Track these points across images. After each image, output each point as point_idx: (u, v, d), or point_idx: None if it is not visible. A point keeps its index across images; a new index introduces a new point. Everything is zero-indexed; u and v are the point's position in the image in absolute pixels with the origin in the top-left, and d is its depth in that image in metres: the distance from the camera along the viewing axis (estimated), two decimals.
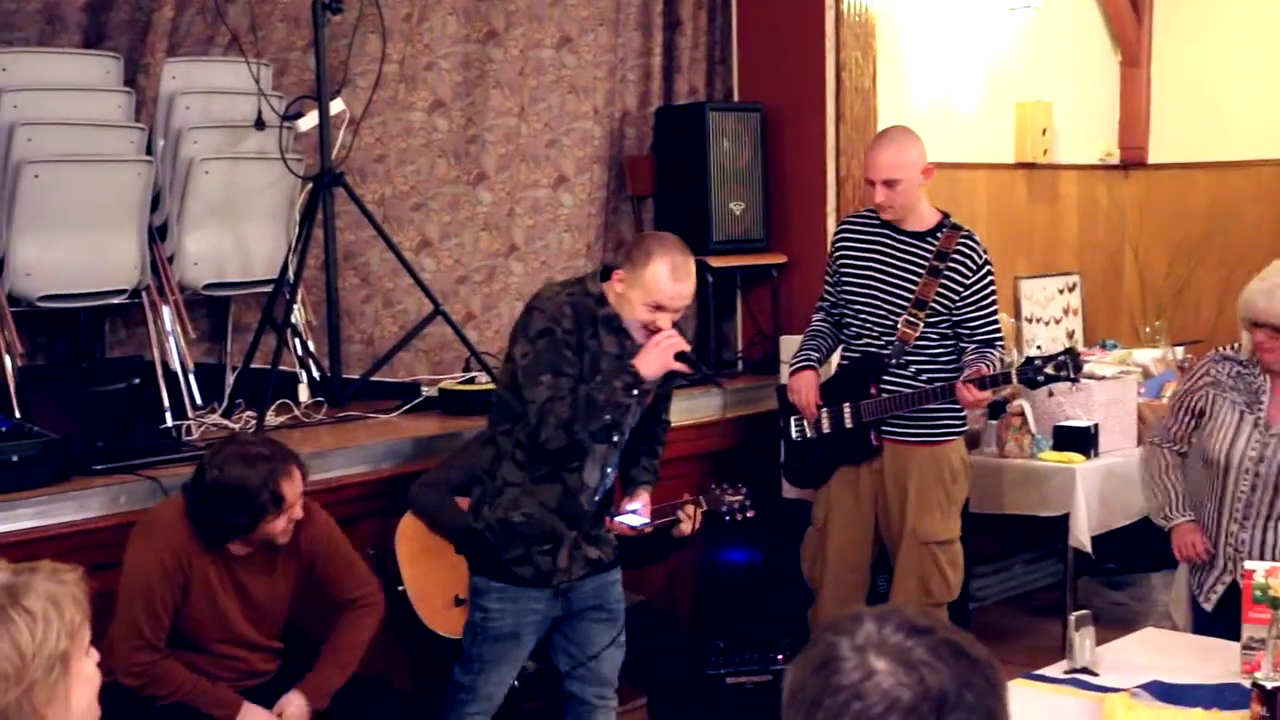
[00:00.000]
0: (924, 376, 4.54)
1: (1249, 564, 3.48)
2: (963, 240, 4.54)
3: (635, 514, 3.94)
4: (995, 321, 4.58)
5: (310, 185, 4.84)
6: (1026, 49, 6.94)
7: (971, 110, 6.71)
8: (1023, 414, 5.81)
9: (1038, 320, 6.98)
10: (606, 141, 6.02)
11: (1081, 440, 5.71)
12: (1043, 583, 6.82)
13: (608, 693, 4.05)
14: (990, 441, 5.93)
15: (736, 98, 6.27)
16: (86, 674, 2.11)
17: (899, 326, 4.52)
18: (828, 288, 4.79)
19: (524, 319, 3.75)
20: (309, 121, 4.89)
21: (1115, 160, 7.48)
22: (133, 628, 3.48)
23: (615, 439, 3.81)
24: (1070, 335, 7.16)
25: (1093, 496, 5.59)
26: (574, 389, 3.64)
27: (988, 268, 4.56)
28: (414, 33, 5.47)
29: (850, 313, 4.67)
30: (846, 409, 4.61)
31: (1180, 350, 6.64)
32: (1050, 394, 5.64)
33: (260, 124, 4.78)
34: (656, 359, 3.66)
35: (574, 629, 3.98)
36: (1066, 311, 7.18)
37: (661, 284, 3.65)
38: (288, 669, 3.81)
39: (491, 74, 5.67)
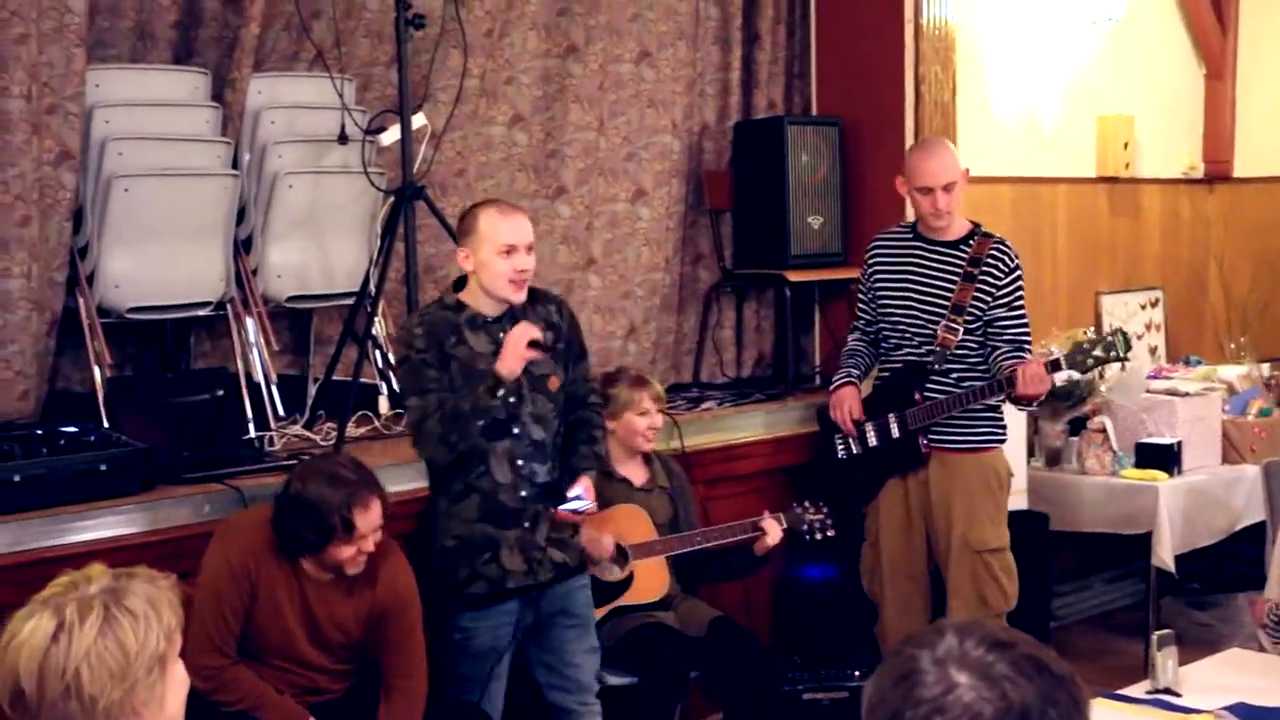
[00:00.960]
0: (964, 383, 4.54)
1: None
2: (995, 245, 4.59)
3: (579, 499, 3.98)
4: (1025, 324, 4.61)
5: (392, 199, 4.88)
6: (1108, 62, 6.88)
7: (1052, 124, 6.66)
8: (1104, 430, 5.76)
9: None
10: (685, 155, 6.03)
11: (1164, 457, 5.65)
12: (1124, 602, 6.73)
13: (589, 699, 4.11)
14: (1070, 458, 5.88)
15: (815, 111, 6.26)
16: (179, 677, 2.16)
17: (939, 333, 4.54)
18: (861, 305, 4.81)
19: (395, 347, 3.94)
20: (391, 136, 4.93)
21: (1199, 174, 7.40)
22: (203, 630, 3.50)
23: (516, 431, 3.86)
24: (1153, 351, 7.08)
25: (1176, 515, 5.53)
26: (441, 404, 3.75)
27: (1019, 272, 4.60)
28: (495, 48, 5.51)
29: (888, 324, 4.68)
30: (892, 419, 4.61)
31: (1266, 367, 6.55)
32: (1101, 376, 5.55)
33: (343, 138, 4.84)
34: (511, 355, 3.76)
35: (546, 638, 4.04)
36: (1149, 327, 7.10)
37: (497, 224, 3.83)
38: (358, 688, 3.81)
39: (571, 88, 5.70)
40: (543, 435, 3.94)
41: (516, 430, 3.87)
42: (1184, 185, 7.35)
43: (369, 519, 3.54)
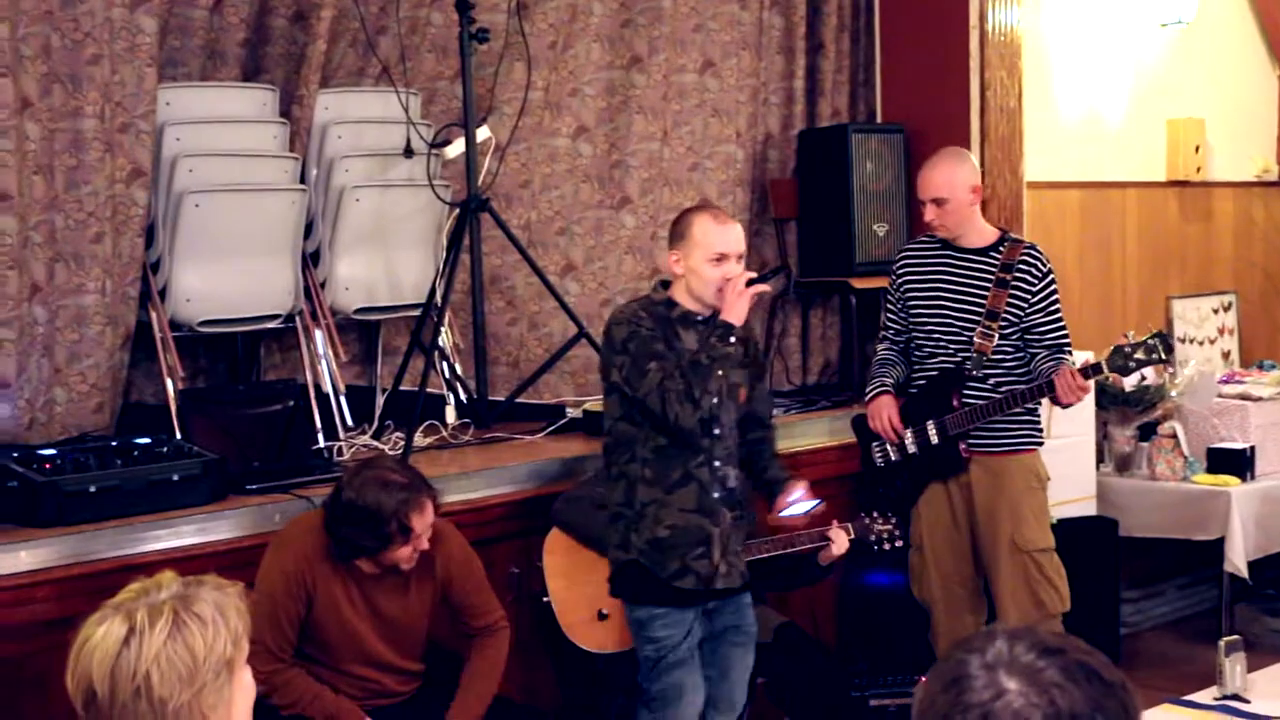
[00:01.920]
0: (1003, 388, 4.51)
1: None
2: (1026, 251, 4.57)
3: (799, 501, 4.04)
4: (1063, 327, 4.57)
5: (457, 211, 4.94)
6: (1177, 64, 6.81)
7: (1121, 128, 6.61)
8: (1174, 436, 5.71)
9: (1191, 340, 6.84)
10: (749, 165, 6.04)
11: (1237, 462, 5.59)
12: (1198, 609, 6.65)
13: (734, 717, 4.09)
14: (1141, 464, 5.83)
15: (879, 119, 6.25)
16: (246, 683, 2.20)
17: (975, 339, 4.52)
18: (890, 315, 4.78)
19: (606, 342, 3.91)
20: (456, 149, 4.99)
21: (1273, 176, 7.30)
22: (258, 634, 3.55)
23: (716, 431, 3.87)
24: (1226, 356, 7.00)
25: (1249, 520, 5.47)
26: (679, 365, 3.76)
27: (1052, 275, 4.58)
28: (559, 60, 5.56)
29: (922, 334, 4.66)
30: (930, 425, 4.59)
31: None
32: (1143, 379, 5.48)
33: (409, 152, 4.90)
34: (736, 302, 3.79)
35: (714, 652, 4.02)
36: (1222, 331, 7.02)
37: (710, 231, 3.83)
38: (424, 691, 3.85)
39: (635, 99, 5.73)
40: (734, 442, 3.97)
41: (717, 431, 3.88)
42: (1257, 188, 7.27)
43: (424, 521, 3.60)
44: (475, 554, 3.95)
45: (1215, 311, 7.02)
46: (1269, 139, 7.33)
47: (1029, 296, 4.53)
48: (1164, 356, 4.42)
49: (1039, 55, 6.18)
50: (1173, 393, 5.79)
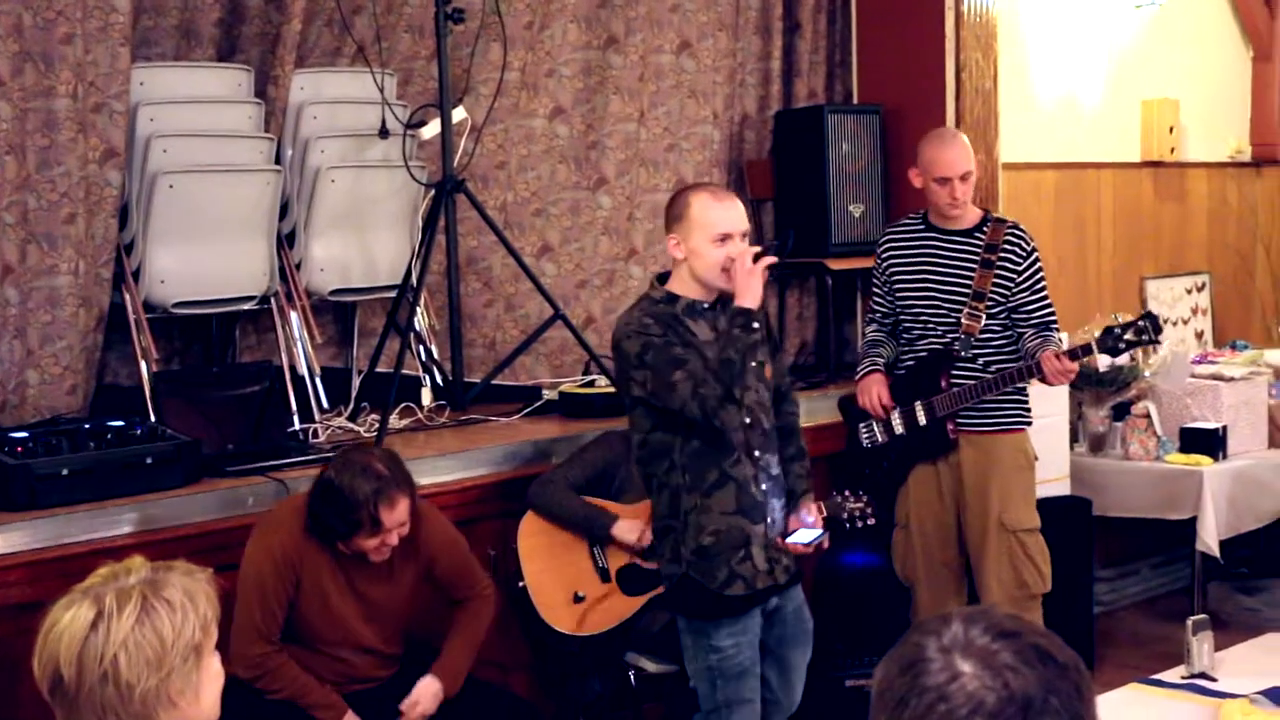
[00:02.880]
0: (992, 367, 4.54)
1: None
2: (1010, 230, 4.60)
3: (807, 528, 3.83)
4: (1050, 306, 4.60)
5: (433, 192, 4.93)
6: (1152, 46, 6.83)
7: (1096, 109, 6.62)
8: (1148, 416, 5.73)
9: (1165, 320, 6.87)
10: (726, 145, 6.05)
11: (1209, 442, 5.62)
12: (1172, 587, 6.70)
13: (789, 712, 4.01)
14: (1115, 443, 5.86)
15: (856, 100, 6.26)
16: (215, 669, 2.20)
17: (962, 320, 4.55)
18: (877, 297, 4.80)
19: (619, 358, 3.72)
20: (432, 130, 4.98)
21: (1246, 157, 7.33)
22: (248, 620, 3.57)
23: (748, 421, 3.69)
24: (1199, 336, 7.04)
25: (1221, 499, 5.50)
26: (706, 366, 3.57)
27: (1036, 254, 4.61)
28: (535, 40, 5.55)
29: (909, 316, 4.68)
30: (919, 406, 4.62)
31: None
32: (1132, 359, 5.54)
33: (384, 133, 4.90)
34: (748, 282, 3.56)
35: (774, 653, 3.89)
36: (1195, 311, 7.05)
37: (711, 210, 3.62)
38: (400, 676, 3.86)
39: (611, 80, 5.73)
40: (768, 424, 3.78)
41: (749, 420, 3.69)
42: (1231, 169, 7.29)
43: (395, 516, 3.59)
44: (457, 530, 3.97)
45: (1189, 292, 7.05)
46: (1242, 120, 7.35)
47: (1015, 276, 4.55)
48: (1154, 338, 4.44)
49: (1014, 37, 6.19)
50: (1146, 373, 5.82)
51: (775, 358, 3.87)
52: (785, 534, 3.83)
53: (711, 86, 5.96)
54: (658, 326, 3.63)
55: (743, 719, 3.79)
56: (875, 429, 4.75)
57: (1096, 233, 6.66)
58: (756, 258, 3.59)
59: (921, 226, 4.70)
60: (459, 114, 5.02)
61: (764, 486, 3.75)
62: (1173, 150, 6.83)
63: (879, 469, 4.78)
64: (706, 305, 3.71)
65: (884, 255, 4.77)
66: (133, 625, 2.11)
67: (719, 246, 3.62)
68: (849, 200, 5.90)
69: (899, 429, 4.70)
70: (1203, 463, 5.54)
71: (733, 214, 3.66)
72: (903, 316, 4.72)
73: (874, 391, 4.70)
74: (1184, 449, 5.66)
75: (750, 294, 3.57)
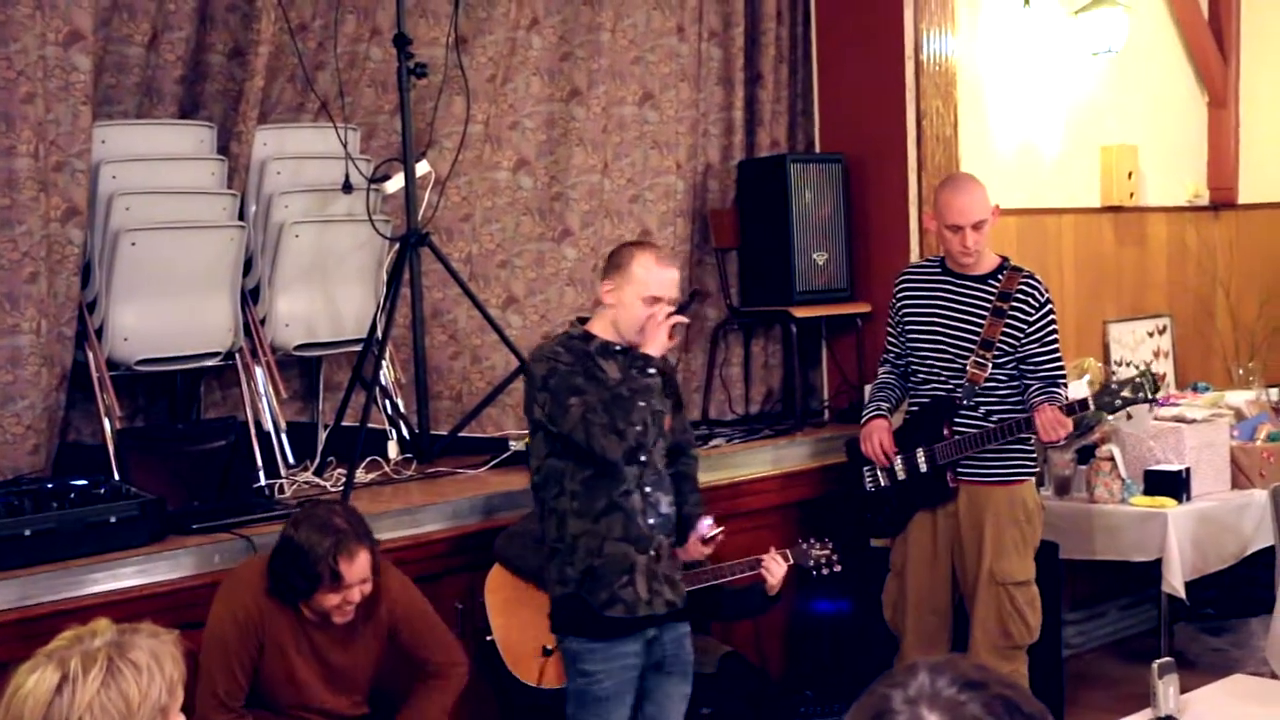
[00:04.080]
0: (994, 417, 4.55)
1: None
2: (1024, 280, 4.61)
3: (705, 527, 4.21)
4: (1059, 359, 4.63)
5: (397, 246, 4.94)
6: (1110, 93, 6.91)
7: (1055, 155, 6.69)
8: (1112, 459, 5.76)
9: (1128, 364, 6.92)
10: (689, 195, 6.08)
11: (1173, 484, 5.65)
12: (1138, 629, 6.72)
13: None
14: (1080, 487, 5.88)
15: (818, 149, 6.31)
16: None
17: (968, 368, 4.55)
18: (890, 339, 4.83)
19: (527, 381, 3.95)
20: (395, 184, 4.99)
21: (1204, 201, 7.42)
22: (209, 685, 3.53)
23: (643, 459, 3.89)
24: (1161, 378, 7.08)
25: (1185, 541, 5.52)
26: (601, 398, 3.78)
27: (1049, 306, 4.62)
28: (498, 93, 5.58)
29: (917, 359, 4.70)
30: (920, 453, 4.63)
31: (1275, 392, 6.54)
32: (1129, 416, 5.58)
33: (348, 187, 4.90)
34: (654, 333, 3.84)
35: (657, 686, 4.02)
36: (1157, 354, 7.11)
37: (651, 271, 3.87)
38: None
39: (575, 132, 5.76)
40: (662, 467, 4.01)
41: (644, 458, 3.89)
42: (1189, 213, 7.37)
43: (355, 570, 3.56)
44: (421, 595, 3.92)
45: (1150, 335, 7.11)
46: (1199, 165, 7.44)
47: (1025, 326, 4.56)
48: (1150, 395, 4.48)
49: (973, 85, 6.25)
50: (1109, 416, 5.85)
51: (678, 413, 4.14)
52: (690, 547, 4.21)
53: (675, 137, 6.00)
54: (569, 356, 3.87)
55: None
56: (879, 473, 4.76)
57: (1059, 277, 6.70)
58: (669, 314, 3.86)
59: (938, 269, 4.71)
60: (423, 168, 5.03)
61: (651, 521, 3.93)
62: (1132, 195, 6.91)
63: (881, 515, 4.80)
64: (618, 347, 3.94)
65: (898, 295, 4.79)
66: (98, 688, 2.10)
67: (648, 306, 3.86)
68: (813, 248, 5.94)
69: (901, 474, 4.71)
70: (1167, 505, 5.57)
71: (668, 280, 3.92)
72: (912, 359, 4.74)
73: (876, 438, 4.71)
74: (1148, 491, 5.69)
75: (655, 344, 3.85)
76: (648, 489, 3.93)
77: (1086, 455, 5.90)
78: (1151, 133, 7.10)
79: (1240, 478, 5.94)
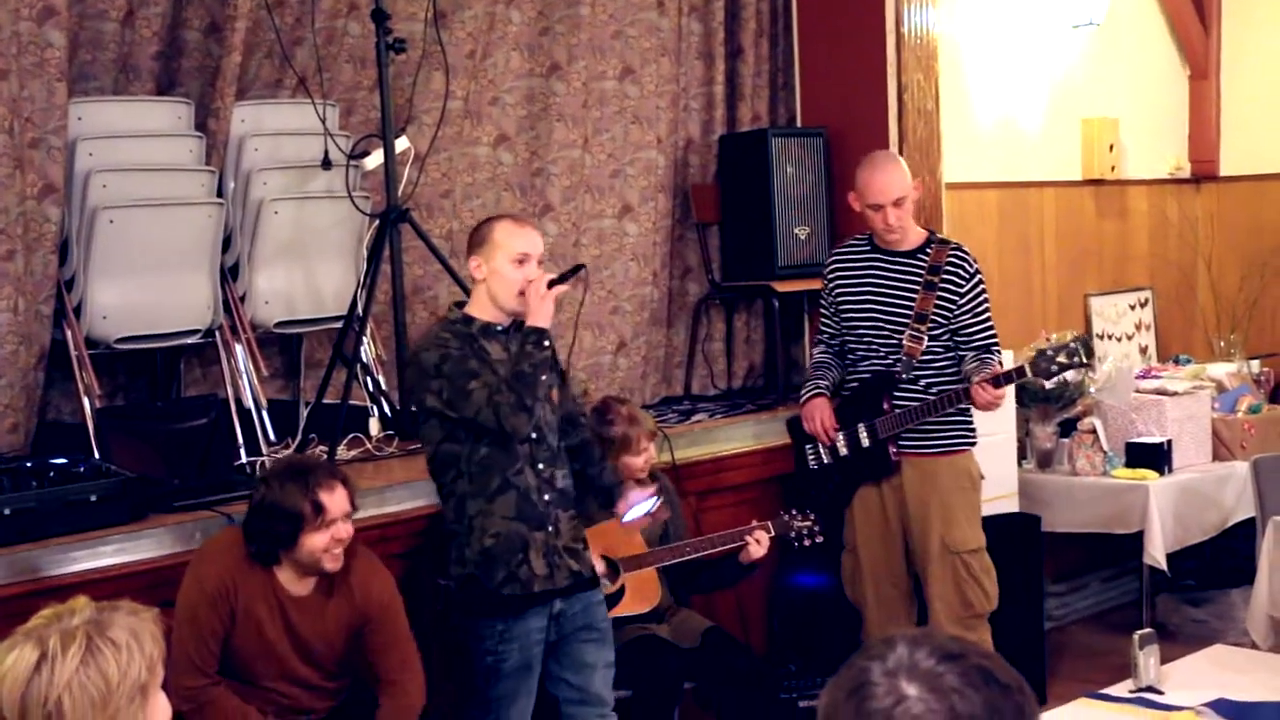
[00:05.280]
0: (934, 389, 4.57)
1: None
2: (953, 252, 4.63)
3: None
4: (991, 328, 4.64)
5: (377, 222, 4.92)
6: (1091, 65, 6.91)
7: (1037, 128, 6.69)
8: (1094, 431, 5.79)
9: (1109, 336, 6.94)
10: (670, 170, 6.06)
11: (1154, 456, 5.68)
12: (1120, 601, 6.75)
13: (607, 711, 4.13)
14: (1062, 459, 5.91)
15: (799, 123, 6.29)
16: (161, 706, 2.20)
17: (904, 342, 4.57)
18: (824, 318, 4.84)
19: (414, 373, 3.94)
20: (375, 160, 4.97)
21: (1185, 174, 7.43)
22: (182, 652, 3.51)
23: (534, 436, 3.91)
24: (1143, 351, 7.10)
25: (1167, 513, 5.55)
26: (500, 378, 3.79)
27: (979, 277, 4.64)
28: (477, 69, 5.55)
29: (853, 337, 4.71)
30: (862, 429, 4.64)
31: (1255, 363, 6.58)
32: (1066, 382, 5.60)
33: (326, 163, 4.88)
34: (539, 305, 3.84)
35: (567, 654, 4.05)
36: (1139, 327, 7.12)
37: (512, 234, 3.92)
38: (344, 708, 3.83)
39: (555, 107, 5.74)
40: (555, 442, 4.02)
41: (535, 435, 3.92)
42: (1171, 185, 7.38)
43: (336, 500, 3.59)
44: (401, 604, 3.85)
45: (1132, 308, 7.12)
46: (1181, 138, 7.45)
47: (957, 298, 4.58)
48: (1085, 360, 4.50)
49: (954, 58, 6.24)
50: (1092, 389, 5.87)
51: (563, 385, 4.16)
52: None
53: (655, 112, 5.98)
54: (456, 341, 3.88)
55: (514, 713, 3.94)
56: (821, 450, 4.77)
57: (1040, 251, 6.72)
58: (551, 284, 3.88)
59: (867, 248, 4.72)
60: (402, 143, 5.01)
61: (547, 497, 3.96)
62: (1113, 168, 6.91)
63: (825, 491, 4.81)
64: (500, 328, 3.96)
65: (830, 276, 4.80)
66: (77, 666, 2.10)
67: (518, 267, 3.89)
68: (794, 223, 5.93)
69: (843, 451, 4.72)
70: (1148, 477, 5.60)
71: (531, 237, 3.97)
72: (848, 338, 4.74)
73: (818, 415, 4.73)
74: (1130, 464, 5.72)
75: (541, 316, 3.86)
76: (540, 465, 3.95)
77: (1069, 428, 5.92)
78: (1133, 105, 7.10)
79: (1221, 450, 5.97)
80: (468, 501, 3.90)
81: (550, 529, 3.95)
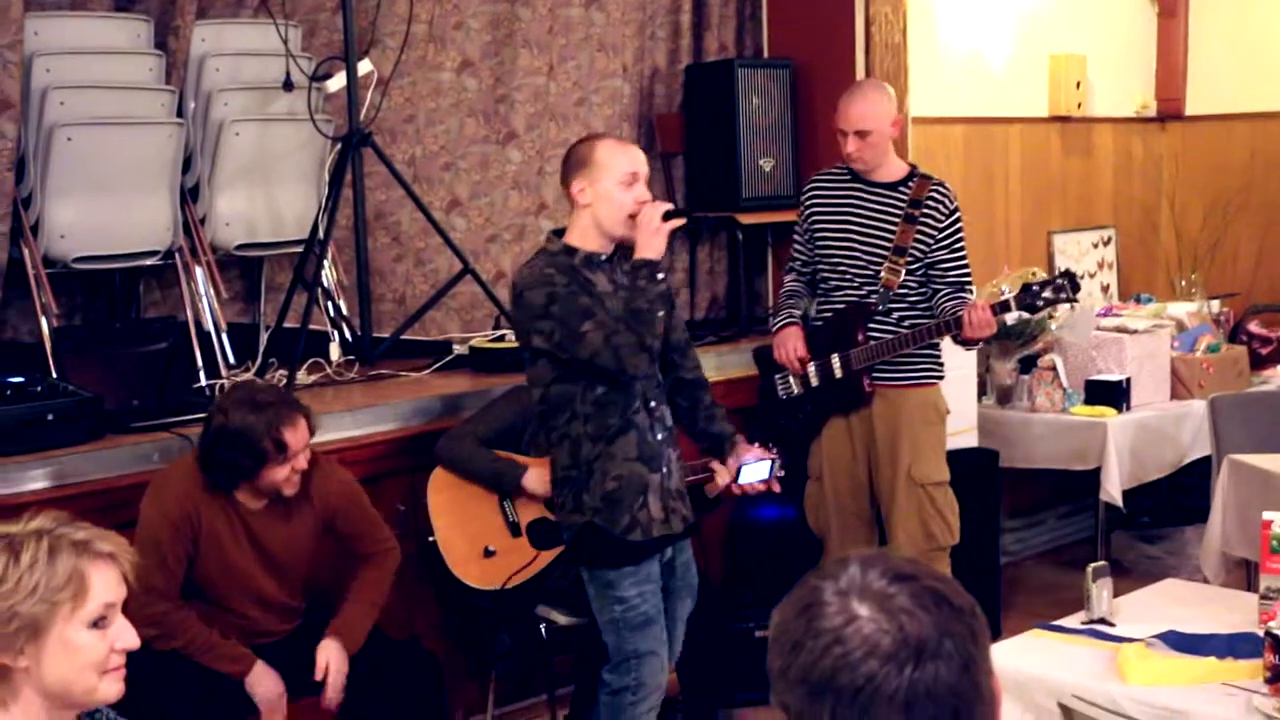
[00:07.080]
0: (907, 323, 4.58)
1: (1267, 514, 3.47)
2: (934, 187, 4.61)
3: (753, 464, 4.04)
4: (966, 266, 4.63)
5: (339, 146, 4.87)
6: (1059, 1, 6.88)
7: (1004, 64, 6.67)
8: (1054, 368, 5.81)
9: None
10: (636, 99, 6.02)
11: (1113, 394, 5.71)
12: (1076, 537, 6.82)
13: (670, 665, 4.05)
14: (1022, 395, 5.94)
15: (766, 54, 6.25)
16: (73, 644, 2.13)
17: (881, 274, 4.56)
18: (798, 246, 4.81)
19: (521, 310, 3.71)
20: (337, 83, 4.92)
21: (1151, 112, 7.42)
22: (145, 578, 3.51)
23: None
24: (1105, 289, 7.13)
25: (1124, 450, 5.59)
26: (614, 316, 3.60)
27: (958, 214, 4.63)
28: None
29: (828, 266, 4.69)
30: (835, 359, 4.64)
31: (1216, 304, 6.61)
32: (1050, 317, 5.60)
33: (288, 85, 4.82)
34: (652, 237, 3.61)
35: (668, 609, 3.92)
36: (1101, 265, 7.15)
37: (616, 153, 3.70)
38: (302, 630, 3.85)
39: (520, 33, 5.68)
40: (660, 377, 3.85)
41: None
42: (1136, 124, 7.38)
43: (298, 436, 3.59)
44: (357, 483, 3.95)
45: (1095, 246, 7.14)
46: (1148, 76, 7.44)
47: (935, 233, 4.57)
48: (1072, 296, 4.49)
49: None
50: (1053, 326, 5.88)
51: (672, 314, 3.89)
52: (733, 477, 4.02)
53: (621, 40, 5.93)
54: (561, 277, 3.65)
55: (650, 671, 3.82)
56: (791, 381, 4.77)
57: (1005, 187, 6.72)
58: (667, 216, 3.64)
59: (847, 176, 4.69)
60: (365, 67, 4.96)
61: (659, 436, 3.80)
62: (1079, 105, 6.90)
63: (794, 421, 4.81)
64: (604, 257, 3.74)
65: (807, 202, 4.77)
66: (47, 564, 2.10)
67: (628, 189, 3.66)
68: (759, 154, 5.90)
69: (815, 381, 4.72)
70: (1107, 414, 5.63)
71: (637, 155, 3.75)
72: (821, 266, 4.73)
73: (790, 345, 4.71)
74: (1089, 401, 5.75)
75: (654, 247, 3.62)
76: (653, 403, 3.78)
77: (1029, 365, 5.94)
78: (1100, 42, 7.08)
79: (1180, 388, 6.01)
80: (584, 444, 3.71)
81: (665, 470, 3.79)
